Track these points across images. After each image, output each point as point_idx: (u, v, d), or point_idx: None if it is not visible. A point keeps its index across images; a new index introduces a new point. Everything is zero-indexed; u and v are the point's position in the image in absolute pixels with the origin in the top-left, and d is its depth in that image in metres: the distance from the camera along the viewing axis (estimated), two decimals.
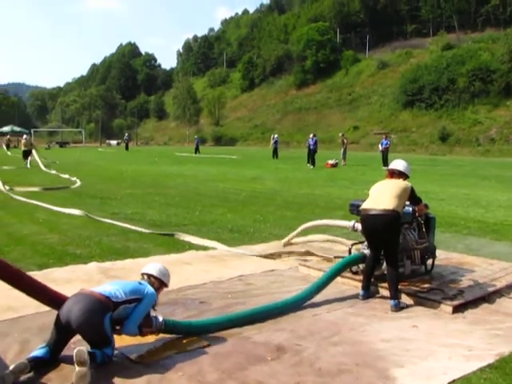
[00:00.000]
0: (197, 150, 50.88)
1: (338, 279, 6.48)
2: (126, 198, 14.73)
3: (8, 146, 52.68)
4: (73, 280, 6.70)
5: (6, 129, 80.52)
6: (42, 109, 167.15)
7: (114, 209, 12.37)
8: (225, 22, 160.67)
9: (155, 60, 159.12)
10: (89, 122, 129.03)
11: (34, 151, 31.86)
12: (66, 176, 22.23)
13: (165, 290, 4.93)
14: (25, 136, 34.09)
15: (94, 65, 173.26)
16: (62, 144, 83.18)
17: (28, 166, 29.50)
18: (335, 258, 7.44)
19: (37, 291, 4.52)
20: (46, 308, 4.71)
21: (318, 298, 5.94)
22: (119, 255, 8.08)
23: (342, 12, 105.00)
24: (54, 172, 24.95)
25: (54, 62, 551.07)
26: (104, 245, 8.83)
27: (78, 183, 19.40)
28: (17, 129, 79.77)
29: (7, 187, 17.20)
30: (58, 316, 4.18)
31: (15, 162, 32.86)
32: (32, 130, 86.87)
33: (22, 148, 32.33)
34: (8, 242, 9.01)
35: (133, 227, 10.13)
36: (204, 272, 7.23)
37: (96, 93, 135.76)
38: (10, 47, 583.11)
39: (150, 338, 4.68)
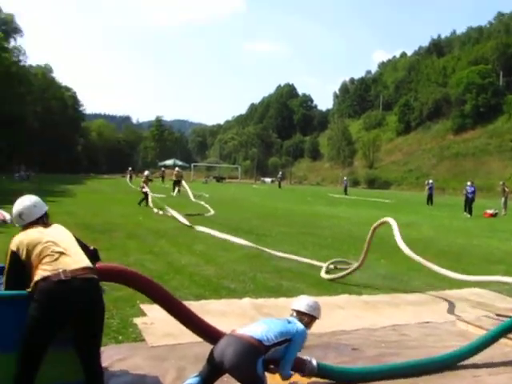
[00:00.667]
0: (345, 191, 50.95)
1: (502, 340, 6.04)
2: (280, 236, 14.91)
3: (163, 178, 57.02)
4: (227, 313, 6.83)
5: (169, 162, 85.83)
6: (202, 145, 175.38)
7: (269, 246, 12.54)
8: (382, 65, 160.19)
9: (312, 101, 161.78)
10: (245, 159, 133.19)
11: (183, 182, 34.64)
12: (207, 206, 23.46)
13: (317, 332, 4.87)
14: (176, 168, 37.98)
15: (252, 104, 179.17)
16: (219, 179, 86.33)
17: (174, 194, 32.85)
18: (498, 315, 6.99)
19: (193, 323, 4.66)
20: None
21: (477, 358, 5.58)
22: (272, 293, 8.16)
23: (505, 54, 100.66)
24: (202, 203, 26.19)
25: (216, 101, 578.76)
26: (258, 281, 8.96)
27: (212, 212, 21.01)
28: (178, 162, 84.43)
29: (161, 212, 20.24)
30: (211, 353, 4.26)
31: (167, 191, 35.47)
32: (192, 165, 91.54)
33: (173, 178, 36.04)
34: (168, 270, 9.44)
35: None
36: (357, 318, 7.09)
37: (253, 131, 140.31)
38: (176, 86, 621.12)
39: (303, 381, 4.63)
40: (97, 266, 4.12)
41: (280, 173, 72.15)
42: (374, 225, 9.60)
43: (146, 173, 26.07)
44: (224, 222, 18.38)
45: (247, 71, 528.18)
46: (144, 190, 24.34)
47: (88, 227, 14.72)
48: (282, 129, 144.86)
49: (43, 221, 4.15)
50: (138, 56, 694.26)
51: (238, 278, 9.08)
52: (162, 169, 66.92)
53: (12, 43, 76.73)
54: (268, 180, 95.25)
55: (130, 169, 59.54)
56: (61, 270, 3.62)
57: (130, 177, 55.19)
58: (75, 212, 19.62)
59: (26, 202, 4.17)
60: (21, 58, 79.20)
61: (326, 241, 14.65)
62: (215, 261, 10.65)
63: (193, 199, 28.62)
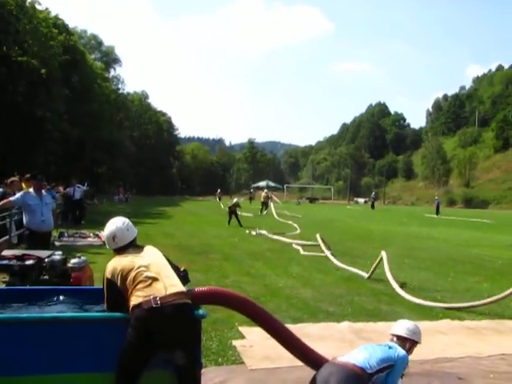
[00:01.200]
0: (437, 211, 49.46)
1: None
2: (376, 258, 14.64)
3: (251, 199, 59.61)
4: (326, 337, 6.77)
5: (261, 183, 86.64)
6: (295, 165, 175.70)
7: (365, 268, 12.37)
8: (477, 80, 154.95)
9: (404, 119, 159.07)
10: (337, 179, 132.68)
11: (271, 203, 37.32)
12: (295, 226, 24.45)
13: (419, 359, 4.74)
14: (265, 190, 40.75)
15: (344, 124, 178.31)
16: (312, 200, 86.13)
17: (261, 214, 35.55)
18: None
19: (296, 347, 4.61)
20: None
21: None
22: (371, 317, 8.03)
23: None
24: (290, 222, 27.00)
25: (307, 122, 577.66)
26: (356, 304, 8.85)
27: (298, 231, 21.90)
28: (271, 184, 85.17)
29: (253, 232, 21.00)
30: (313, 380, 4.23)
31: (254, 211, 37.24)
32: (285, 186, 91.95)
33: (261, 200, 38.51)
34: (265, 292, 9.49)
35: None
36: (460, 345, 6.82)
37: (345, 151, 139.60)
38: (268, 109, 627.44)
39: None
40: (196, 290, 4.15)
41: (373, 193, 71.03)
42: None
43: (235, 200, 26.87)
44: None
45: (337, 92, 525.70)
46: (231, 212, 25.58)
47: (185, 248, 15.09)
48: (374, 148, 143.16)
49: (134, 244, 4.19)
50: (230, 80, 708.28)
51: (335, 301, 9.00)
52: (251, 190, 68.64)
53: (112, 73, 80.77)
54: (361, 201, 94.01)
55: (218, 191, 61.02)
56: (152, 297, 3.65)
57: (219, 198, 56.57)
58: (172, 233, 20.15)
59: (119, 224, 4.19)
60: (119, 86, 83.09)
61: (424, 263, 14.28)
62: (312, 283, 10.61)
63: (276, 217, 31.14)
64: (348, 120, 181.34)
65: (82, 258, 6.82)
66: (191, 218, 30.47)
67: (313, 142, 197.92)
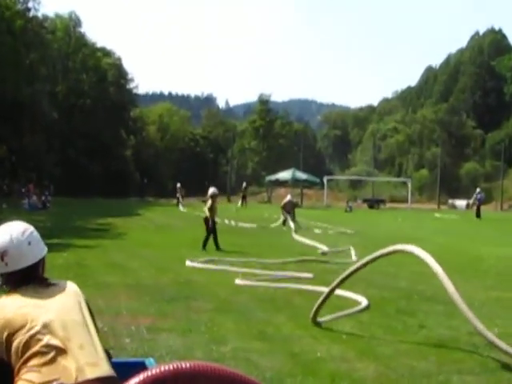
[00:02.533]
0: None
1: None
2: (490, 306, 14.59)
3: (244, 198, 65.44)
4: None
5: (284, 175, 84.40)
6: (342, 142, 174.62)
7: (468, 324, 12.30)
8: None
9: None
10: (418, 166, 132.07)
11: (287, 215, 39.78)
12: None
13: None
14: (288, 197, 42.78)
15: (428, 69, 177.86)
16: (374, 203, 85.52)
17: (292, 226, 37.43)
18: None
19: None
20: None
21: None
22: None
23: None
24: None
25: (362, 67, 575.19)
26: None
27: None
28: (301, 175, 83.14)
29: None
30: None
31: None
32: (325, 178, 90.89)
33: (282, 204, 41.42)
34: (292, 368, 9.43)
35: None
36: None
37: (432, 116, 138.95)
38: (293, 45, 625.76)
39: None
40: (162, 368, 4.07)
41: (478, 190, 69.27)
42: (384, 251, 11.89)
43: (212, 190, 26.39)
44: (382, 280, 18.22)
45: (416, 14, 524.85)
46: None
47: (148, 291, 15.03)
48: (483, 111, 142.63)
49: (37, 273, 4.10)
50: None
51: None
52: (244, 184, 69.14)
53: None
54: (461, 204, 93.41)
55: (178, 186, 61.14)
56: None
57: (181, 197, 56.94)
58: (125, 264, 20.27)
59: (15, 232, 4.08)
60: (30, 4, 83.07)
61: None
62: (375, 351, 10.56)
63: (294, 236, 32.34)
64: (436, 62, 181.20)
65: None
66: (158, 237, 30.59)
67: (374, 102, 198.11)
